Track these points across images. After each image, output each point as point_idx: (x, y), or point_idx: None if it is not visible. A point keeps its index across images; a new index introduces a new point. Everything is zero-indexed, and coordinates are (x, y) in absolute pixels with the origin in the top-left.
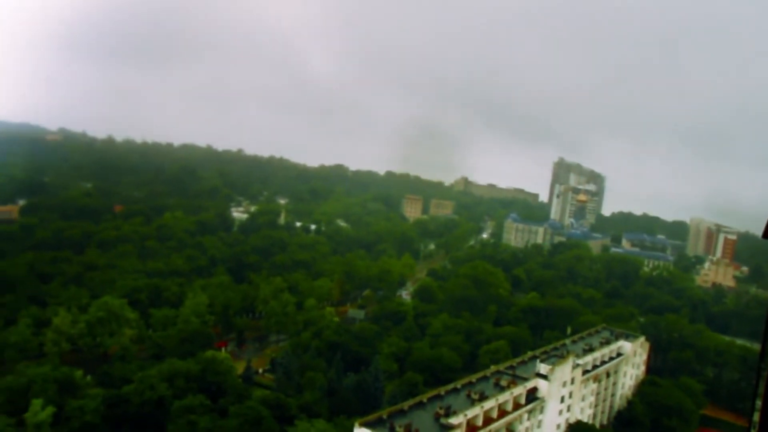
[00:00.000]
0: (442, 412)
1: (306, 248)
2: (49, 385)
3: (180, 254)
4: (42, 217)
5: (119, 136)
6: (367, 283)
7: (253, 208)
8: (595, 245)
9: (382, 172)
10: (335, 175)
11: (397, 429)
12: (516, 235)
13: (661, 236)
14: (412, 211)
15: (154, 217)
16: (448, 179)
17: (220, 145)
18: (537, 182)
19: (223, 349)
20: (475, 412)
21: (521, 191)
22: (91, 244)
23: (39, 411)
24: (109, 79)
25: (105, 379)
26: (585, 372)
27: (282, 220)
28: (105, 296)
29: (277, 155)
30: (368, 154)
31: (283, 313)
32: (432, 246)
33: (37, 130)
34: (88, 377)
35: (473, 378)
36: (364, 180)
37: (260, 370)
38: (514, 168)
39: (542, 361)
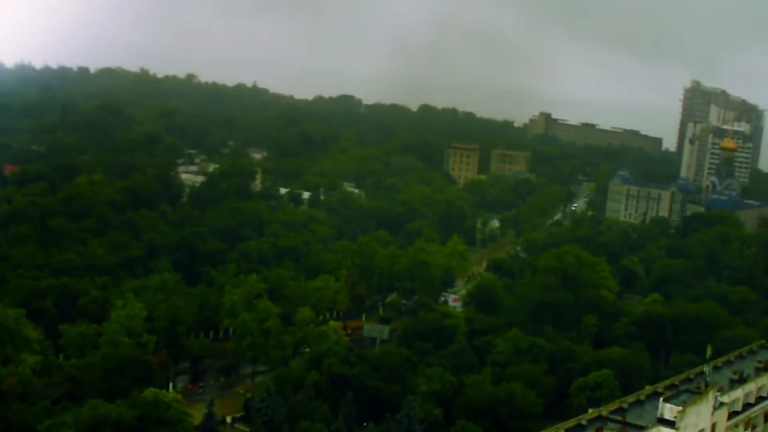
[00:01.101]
0: None
1: (296, 228)
2: None
3: (101, 239)
4: None
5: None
6: (392, 282)
7: (212, 167)
8: (750, 218)
9: (414, 106)
10: (340, 113)
11: None
12: (627, 204)
13: None
14: (462, 167)
15: (62, 183)
16: (520, 117)
17: (160, 68)
18: (658, 120)
19: (170, 385)
20: None
21: (634, 135)
22: None
23: None
24: None
25: None
26: (733, 414)
27: (258, 184)
28: None
29: (248, 82)
30: (390, 79)
31: (261, 330)
32: (495, 223)
33: None
34: None
35: (561, 428)
36: (385, 120)
37: (228, 419)
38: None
39: (667, 399)
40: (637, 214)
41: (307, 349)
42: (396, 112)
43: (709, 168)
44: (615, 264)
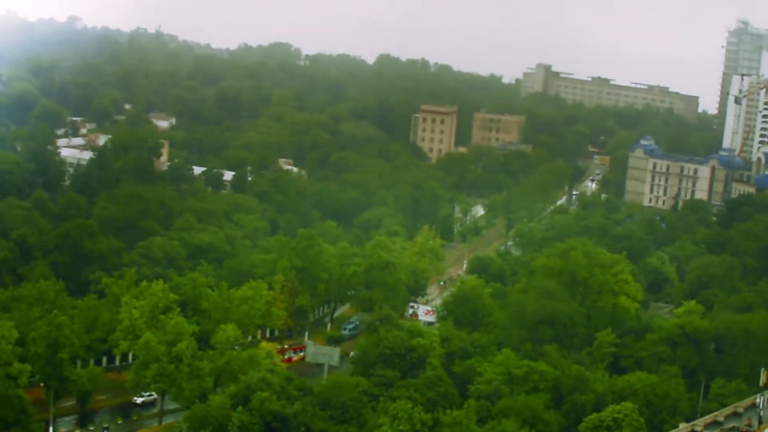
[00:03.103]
0: None
1: (215, 220)
2: None
3: None
4: None
5: None
6: (344, 290)
7: (103, 140)
8: None
9: (369, 57)
10: (273, 66)
11: None
12: (654, 184)
13: None
14: (434, 138)
15: None
16: (510, 71)
17: (32, 10)
18: (694, 73)
19: (50, 430)
20: None
21: (662, 92)
22: None
23: None
24: None
25: None
26: None
27: (164, 162)
28: None
29: (150, 27)
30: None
31: (170, 355)
32: (479, 210)
33: None
34: None
35: None
36: (332, 75)
37: None
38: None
39: None
40: (666, 196)
41: (232, 381)
42: (346, 64)
43: (762, 136)
44: (638, 263)
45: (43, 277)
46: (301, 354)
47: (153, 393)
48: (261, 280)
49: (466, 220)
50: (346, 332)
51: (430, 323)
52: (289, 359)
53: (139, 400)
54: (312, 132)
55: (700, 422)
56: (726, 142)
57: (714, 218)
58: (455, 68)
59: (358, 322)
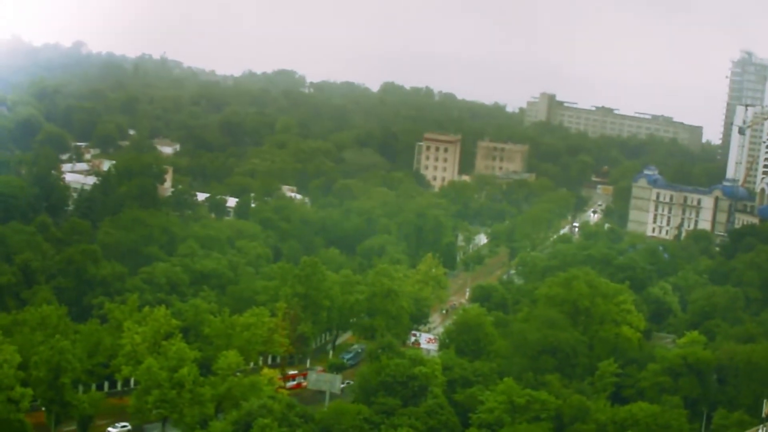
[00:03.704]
0: None
1: (218, 247)
2: None
3: None
4: None
5: None
6: (346, 318)
7: (107, 164)
8: None
9: (374, 85)
10: (277, 93)
11: None
12: (657, 214)
13: None
14: (438, 166)
15: None
16: (514, 99)
17: (36, 34)
18: (697, 104)
19: None
20: None
21: (666, 122)
22: None
23: None
24: None
25: None
26: None
27: (168, 188)
28: None
29: (155, 53)
30: (342, 48)
31: (170, 382)
32: (482, 239)
33: None
34: None
35: None
36: (336, 102)
37: None
38: (648, 76)
39: None
40: (669, 226)
41: (233, 407)
42: (350, 92)
43: (766, 166)
44: (640, 293)
45: (46, 301)
46: (303, 381)
47: (127, 424)
48: (263, 307)
49: (469, 249)
50: (348, 360)
51: (432, 351)
52: (290, 387)
53: (113, 431)
54: (316, 159)
55: None
56: (730, 173)
57: (717, 249)
58: (459, 96)
59: (359, 350)
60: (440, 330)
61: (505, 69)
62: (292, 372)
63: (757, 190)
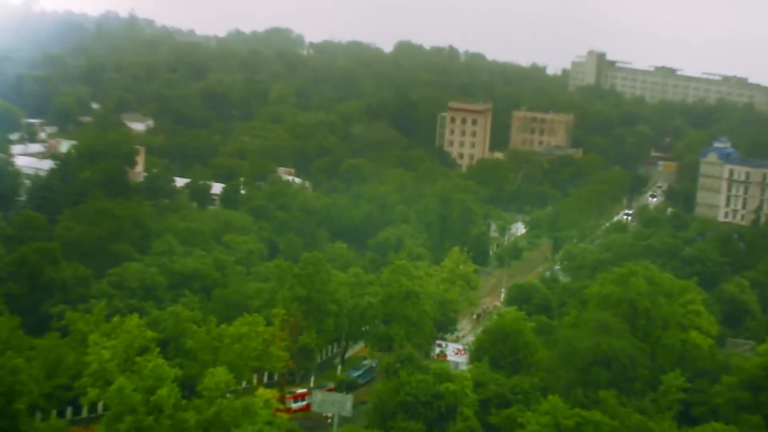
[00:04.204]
0: None
1: (202, 242)
2: None
3: None
4: None
5: None
6: (357, 326)
7: (66, 145)
8: None
9: (387, 45)
10: (270, 56)
11: None
12: (731, 193)
13: None
14: (465, 141)
15: None
16: (556, 60)
17: None
18: None
19: None
20: None
21: (741, 84)
22: None
23: None
24: None
25: None
26: None
27: (140, 172)
28: None
29: (121, 11)
30: (348, 3)
31: (146, 406)
32: (519, 227)
33: None
34: None
35: None
36: (342, 66)
37: None
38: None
39: None
40: (745, 210)
41: None
42: (358, 53)
43: None
44: (712, 291)
45: None
46: (307, 402)
47: None
48: (257, 314)
49: (503, 241)
50: (360, 376)
51: (461, 365)
52: (291, 409)
53: None
54: (318, 135)
55: None
56: None
57: None
58: (489, 57)
59: (374, 364)
60: (471, 339)
61: (544, 23)
62: (300, 391)
63: None
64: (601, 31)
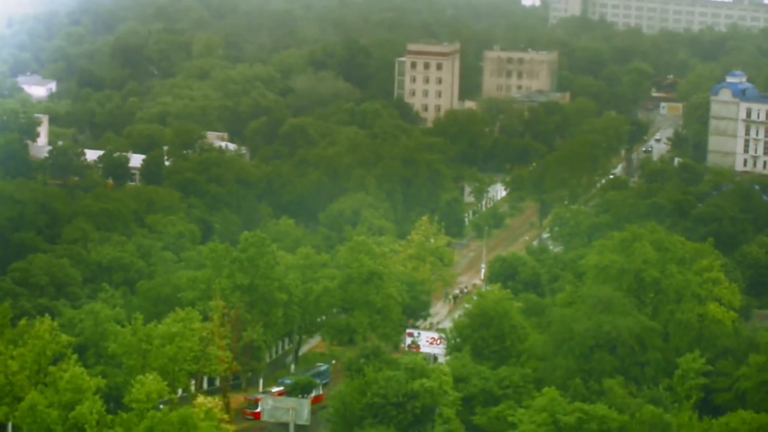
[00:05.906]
0: None
1: (119, 224)
2: None
3: None
4: None
5: None
6: (312, 316)
7: None
8: None
9: None
10: None
11: None
12: (749, 137)
13: None
14: (430, 89)
15: None
16: None
17: None
18: None
19: None
20: None
21: (754, 6)
22: None
23: None
24: None
25: None
26: None
27: (42, 144)
28: None
29: None
30: None
31: (64, 424)
32: (498, 190)
33: None
34: None
35: None
36: (276, 7)
37: None
38: None
39: None
40: (766, 156)
41: None
42: None
43: None
44: (732, 254)
45: None
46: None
47: None
48: (191, 309)
49: (480, 207)
50: (318, 376)
51: (437, 357)
52: (241, 416)
53: None
54: (253, 92)
55: None
56: None
57: None
58: None
59: (333, 361)
60: (448, 325)
61: None
62: (256, 396)
63: None
64: None
